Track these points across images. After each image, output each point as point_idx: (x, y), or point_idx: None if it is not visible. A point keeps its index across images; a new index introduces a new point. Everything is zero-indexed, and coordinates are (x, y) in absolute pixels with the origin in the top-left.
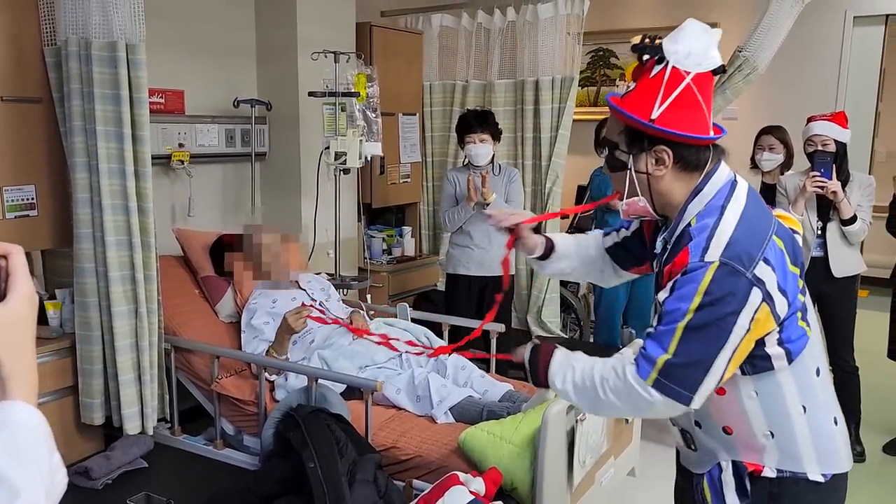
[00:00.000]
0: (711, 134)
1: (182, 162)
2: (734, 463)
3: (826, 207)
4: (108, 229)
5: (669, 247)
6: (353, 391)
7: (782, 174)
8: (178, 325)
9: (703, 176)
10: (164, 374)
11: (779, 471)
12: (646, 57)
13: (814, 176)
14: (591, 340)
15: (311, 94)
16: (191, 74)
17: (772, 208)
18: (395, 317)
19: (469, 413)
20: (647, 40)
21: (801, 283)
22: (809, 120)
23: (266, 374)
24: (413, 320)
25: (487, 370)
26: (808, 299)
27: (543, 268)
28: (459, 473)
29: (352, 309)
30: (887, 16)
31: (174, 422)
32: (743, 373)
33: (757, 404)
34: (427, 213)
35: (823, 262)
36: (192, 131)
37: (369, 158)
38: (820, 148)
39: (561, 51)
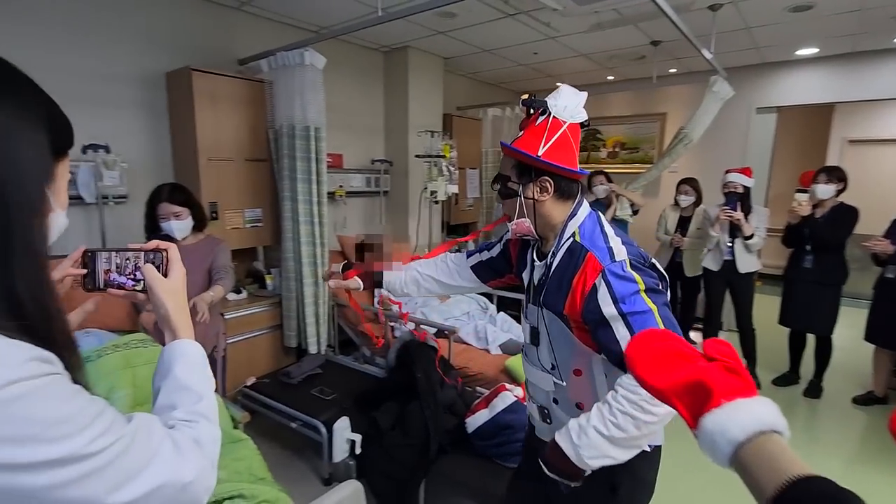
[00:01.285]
0: (577, 169)
1: (341, 196)
2: None
3: (734, 228)
4: (302, 234)
5: (557, 259)
6: (441, 333)
7: (695, 208)
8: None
9: (574, 204)
10: (331, 319)
11: None
12: (532, 109)
13: (724, 209)
14: None
15: (417, 156)
16: (347, 144)
17: (682, 234)
18: None
19: (511, 348)
20: (533, 97)
21: None
22: (727, 172)
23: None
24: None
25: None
26: None
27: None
28: (506, 384)
29: None
30: (779, 107)
31: (336, 347)
32: (599, 352)
33: (605, 384)
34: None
35: (732, 262)
36: (346, 178)
37: (450, 194)
38: (731, 189)
39: None
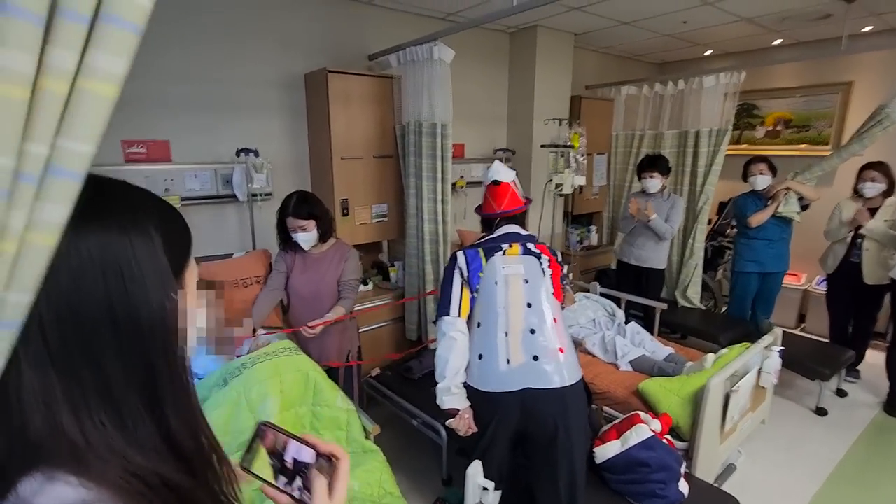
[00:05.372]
0: (493, 212)
1: (462, 187)
2: None
3: None
4: (426, 232)
5: None
6: None
7: (884, 199)
8: None
9: (492, 229)
10: None
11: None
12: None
13: None
14: (724, 312)
15: (543, 146)
16: (469, 133)
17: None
18: (589, 291)
19: (643, 366)
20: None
21: (482, 271)
22: None
23: None
24: (601, 295)
25: (652, 333)
26: (489, 285)
27: None
28: (640, 413)
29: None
30: None
31: None
32: None
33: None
34: (607, 218)
35: None
36: (468, 168)
37: (576, 186)
38: None
39: (718, 109)
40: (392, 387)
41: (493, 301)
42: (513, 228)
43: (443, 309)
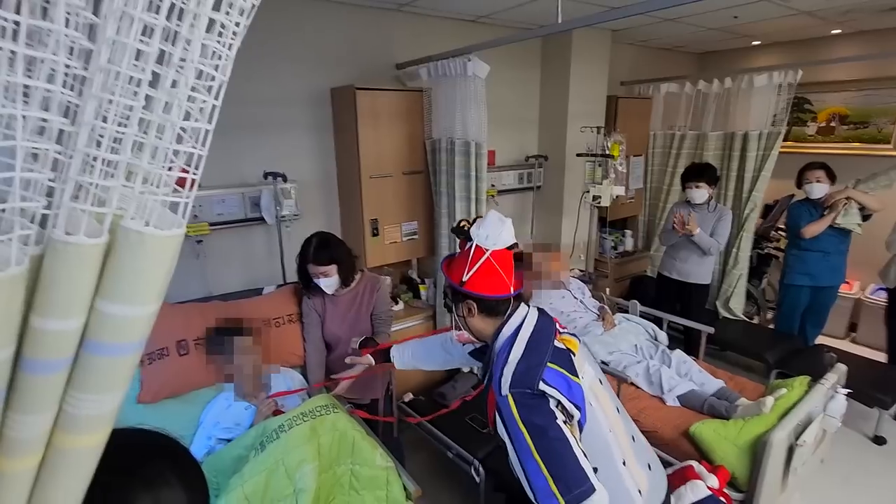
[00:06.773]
0: (511, 291)
1: (493, 196)
2: None
3: None
4: None
5: (489, 371)
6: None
7: None
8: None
9: (503, 318)
10: None
11: None
12: (459, 237)
13: None
14: (770, 325)
15: (578, 154)
16: (500, 139)
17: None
18: (628, 311)
19: (692, 402)
20: (463, 224)
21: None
22: None
23: None
24: (641, 315)
25: (696, 356)
26: (592, 403)
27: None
28: (695, 465)
29: (601, 305)
30: None
31: None
32: None
33: None
34: (643, 222)
35: None
36: (499, 176)
37: (615, 196)
38: None
39: (769, 110)
40: (425, 413)
41: (598, 431)
42: (531, 311)
43: (579, 484)
